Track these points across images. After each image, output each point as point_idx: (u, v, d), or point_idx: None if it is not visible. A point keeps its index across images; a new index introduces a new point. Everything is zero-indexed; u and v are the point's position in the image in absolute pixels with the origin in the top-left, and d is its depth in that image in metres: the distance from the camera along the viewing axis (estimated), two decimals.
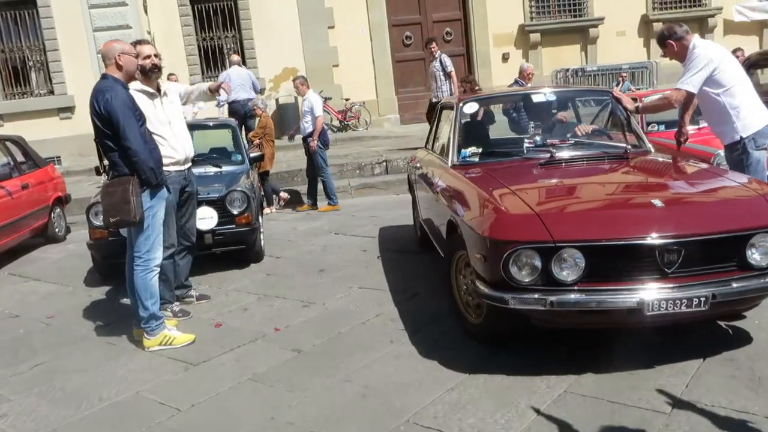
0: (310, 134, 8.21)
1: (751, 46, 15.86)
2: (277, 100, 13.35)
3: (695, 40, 4.46)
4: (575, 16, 14.71)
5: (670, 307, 2.97)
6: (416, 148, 9.48)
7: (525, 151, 4.54)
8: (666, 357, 3.32)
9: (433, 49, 10.19)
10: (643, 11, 14.97)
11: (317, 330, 4.16)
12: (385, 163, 9.57)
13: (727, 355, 3.30)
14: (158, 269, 4.19)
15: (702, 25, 15.27)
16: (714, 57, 4.31)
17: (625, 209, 3.41)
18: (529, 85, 9.22)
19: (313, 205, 8.45)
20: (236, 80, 10.27)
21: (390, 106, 14.07)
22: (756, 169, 4.27)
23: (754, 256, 3.07)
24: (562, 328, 3.50)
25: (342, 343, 3.91)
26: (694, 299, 2.97)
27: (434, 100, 10.15)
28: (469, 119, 4.99)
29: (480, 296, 3.30)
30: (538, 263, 3.03)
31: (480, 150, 4.59)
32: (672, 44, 4.46)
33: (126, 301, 4.65)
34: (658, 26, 14.77)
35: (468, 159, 4.51)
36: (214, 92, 5.04)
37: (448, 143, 4.68)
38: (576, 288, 3.04)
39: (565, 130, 5.16)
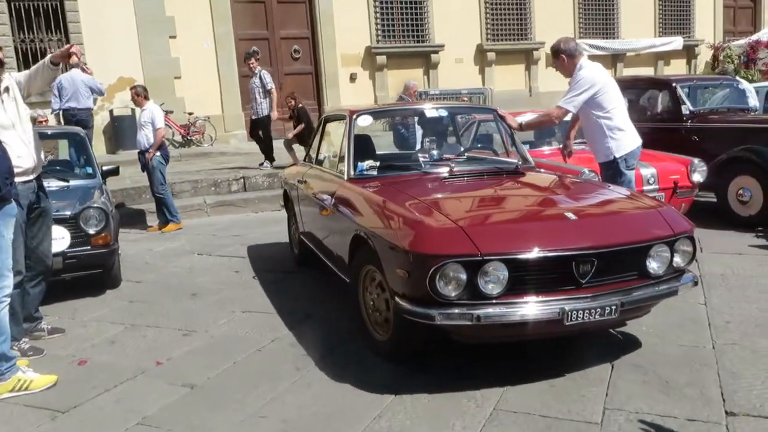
0: (149, 148, 7.59)
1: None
2: (111, 111, 12.25)
3: (583, 61, 4.67)
4: (418, 42, 15.24)
5: (586, 316, 3.03)
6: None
7: (423, 165, 4.49)
8: (574, 365, 3.38)
9: (251, 65, 9.98)
10: (479, 41, 15.90)
11: (207, 361, 3.72)
12: (242, 180, 9.10)
13: (632, 361, 3.42)
14: (8, 300, 3.52)
15: (528, 57, 16.58)
16: (597, 81, 4.56)
17: (543, 222, 3.43)
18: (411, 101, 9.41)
19: (165, 224, 7.78)
20: (69, 87, 9.24)
21: (237, 122, 13.51)
22: (628, 186, 4.54)
23: (652, 265, 3.24)
24: (479, 342, 3.45)
25: (241, 374, 3.52)
26: (606, 308, 3.06)
27: (254, 117, 9.99)
28: (363, 132, 4.83)
29: (402, 313, 3.11)
30: (464, 277, 2.95)
31: (377, 164, 4.47)
32: (563, 58, 4.66)
33: None
34: (491, 56, 15.91)
35: (366, 172, 4.36)
36: (60, 64, 4.00)
37: (342, 156, 4.48)
38: (500, 301, 3.00)
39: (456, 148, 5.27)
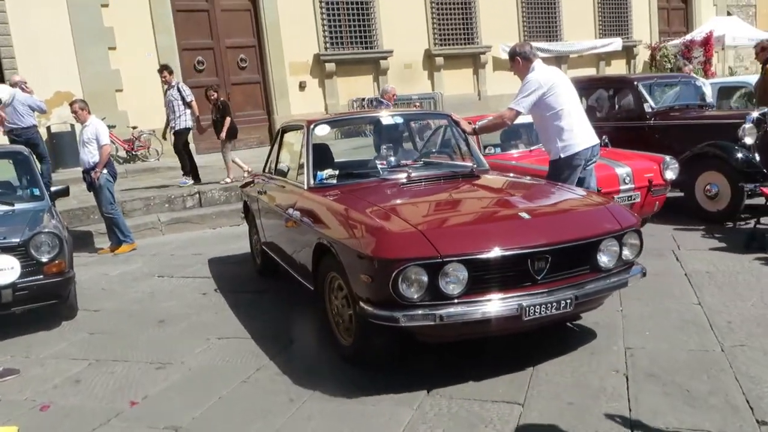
0: (94, 166, 7.11)
1: (515, 82, 17.68)
2: (48, 128, 11.55)
3: (535, 64, 4.76)
4: (366, 48, 15.06)
5: (544, 310, 3.14)
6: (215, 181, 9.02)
7: (381, 172, 4.52)
8: (587, 379, 3.22)
9: (165, 78, 9.52)
10: (427, 46, 15.84)
11: (189, 397, 3.38)
12: (198, 195, 8.66)
13: (646, 370, 3.27)
14: None
15: (476, 61, 16.62)
16: (544, 83, 4.63)
17: (498, 222, 3.52)
18: (392, 105, 9.29)
19: (117, 246, 7.30)
20: (7, 107, 8.75)
21: None
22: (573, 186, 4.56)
23: (603, 259, 3.37)
24: (443, 342, 3.53)
25: (229, 411, 3.20)
26: (562, 302, 3.18)
27: (175, 129, 9.41)
28: (320, 141, 4.81)
29: (368, 317, 3.14)
30: (425, 279, 3.03)
31: (336, 172, 4.48)
32: (519, 60, 4.78)
33: None
34: (440, 60, 15.86)
35: (325, 181, 4.39)
36: None
37: (301, 166, 4.51)
38: (461, 300, 3.07)
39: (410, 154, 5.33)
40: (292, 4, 13.93)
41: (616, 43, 18.52)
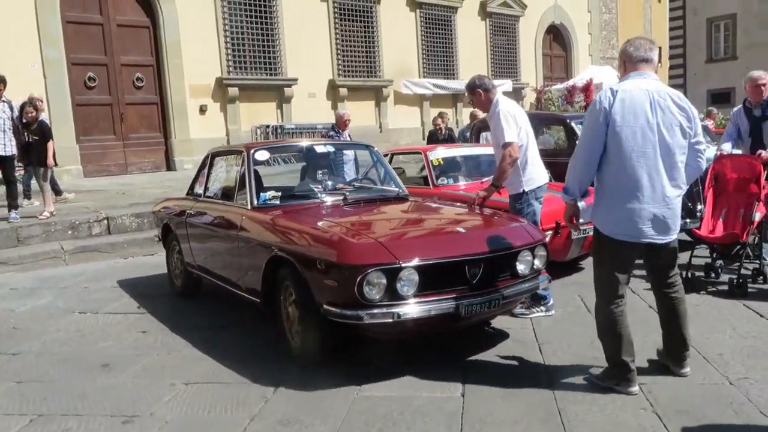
0: None
1: (414, 116, 18.02)
2: None
3: (499, 96, 4.77)
4: (270, 75, 14.67)
5: (478, 309, 3.64)
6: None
7: (319, 194, 4.84)
8: (621, 419, 3.09)
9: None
10: (331, 77, 15.73)
11: None
12: (106, 221, 7.79)
13: (673, 407, 3.17)
14: None
15: (378, 94, 16.76)
16: (516, 114, 4.67)
17: (441, 235, 4.13)
18: (346, 132, 8.80)
19: None
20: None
21: (70, 156, 11.82)
22: (533, 218, 4.69)
23: (520, 267, 3.95)
24: (396, 338, 3.94)
25: None
26: (492, 302, 3.72)
27: (6, 153, 7.64)
28: (260, 165, 5.01)
29: (332, 317, 3.49)
30: (384, 282, 3.42)
31: (279, 193, 4.75)
32: (480, 93, 4.77)
33: None
34: (343, 91, 15.79)
35: (269, 202, 4.63)
36: None
37: (243, 188, 4.72)
38: (413, 301, 3.49)
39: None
40: (194, 24, 13.32)
41: (506, 85, 19.41)
